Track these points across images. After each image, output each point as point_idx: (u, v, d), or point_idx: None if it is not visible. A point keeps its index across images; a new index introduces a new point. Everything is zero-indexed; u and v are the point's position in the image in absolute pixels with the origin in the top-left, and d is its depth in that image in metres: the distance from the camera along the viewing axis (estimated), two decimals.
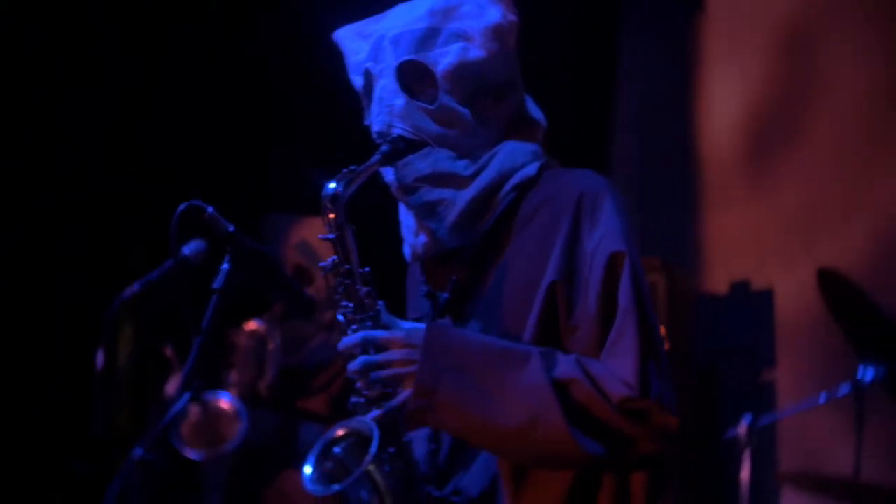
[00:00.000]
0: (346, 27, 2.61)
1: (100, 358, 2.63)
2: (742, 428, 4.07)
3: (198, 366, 2.48)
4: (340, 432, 2.43)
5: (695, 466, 4.93)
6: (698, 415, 5.05)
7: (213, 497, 4.06)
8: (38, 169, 4.85)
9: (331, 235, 2.41)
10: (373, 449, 2.33)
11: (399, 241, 2.63)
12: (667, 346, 4.97)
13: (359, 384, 2.40)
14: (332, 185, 2.39)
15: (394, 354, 2.36)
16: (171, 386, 4.03)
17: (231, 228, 2.55)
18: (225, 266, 2.54)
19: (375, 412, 2.39)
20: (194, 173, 4.90)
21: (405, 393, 2.36)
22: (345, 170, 2.41)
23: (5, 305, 4.78)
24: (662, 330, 4.84)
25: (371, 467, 2.37)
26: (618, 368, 2.32)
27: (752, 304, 5.19)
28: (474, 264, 2.54)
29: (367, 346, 2.37)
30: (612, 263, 2.37)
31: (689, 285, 5.17)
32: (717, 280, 5.34)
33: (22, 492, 4.75)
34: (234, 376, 3.99)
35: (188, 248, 2.57)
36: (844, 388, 4.08)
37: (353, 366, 2.37)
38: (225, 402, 3.65)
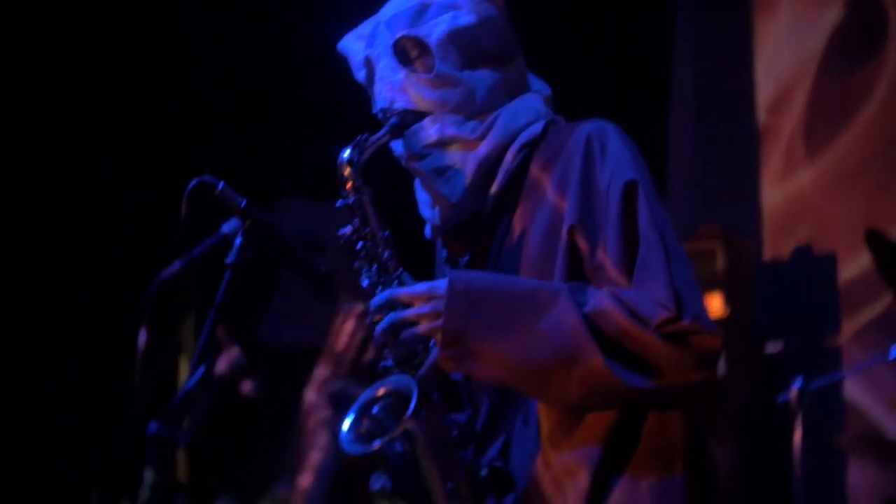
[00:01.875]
0: (346, 36, 2.68)
1: (141, 338, 2.63)
2: (793, 392, 4.03)
3: (211, 341, 2.48)
4: (380, 392, 2.43)
5: (755, 435, 4.88)
6: (759, 384, 4.99)
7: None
8: (38, 169, 4.83)
9: (350, 199, 2.45)
10: (412, 406, 2.33)
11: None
12: (727, 313, 4.94)
13: (387, 348, 2.42)
14: (347, 152, 2.45)
15: (420, 309, 2.36)
16: (222, 364, 4.05)
17: (243, 203, 2.55)
18: (237, 241, 2.54)
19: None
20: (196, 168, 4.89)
21: (437, 349, 2.35)
22: (358, 137, 2.47)
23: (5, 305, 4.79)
24: (721, 297, 4.85)
25: (410, 425, 2.36)
26: (651, 293, 2.30)
27: (814, 271, 5.11)
28: (492, 227, 2.56)
29: (392, 304, 2.38)
30: (627, 194, 2.38)
31: (749, 253, 5.12)
32: (779, 247, 5.27)
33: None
34: None
35: (227, 227, 2.56)
36: None
37: (381, 326, 2.37)
38: None
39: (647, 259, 2.34)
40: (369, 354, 2.53)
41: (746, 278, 4.98)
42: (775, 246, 5.21)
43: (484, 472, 2.50)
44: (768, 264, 5.18)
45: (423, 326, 2.36)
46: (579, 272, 2.42)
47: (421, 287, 2.40)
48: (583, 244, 2.41)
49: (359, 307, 2.56)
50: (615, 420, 2.43)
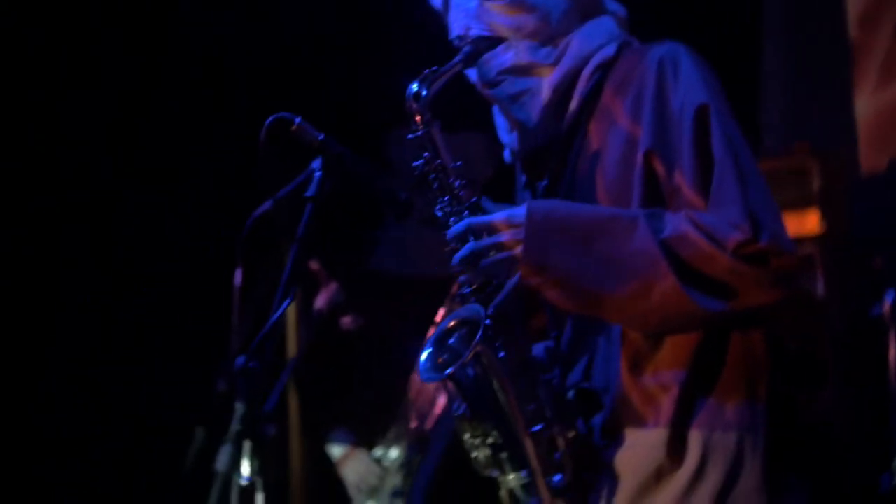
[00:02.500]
0: None
1: (238, 278, 2.67)
2: (886, 305, 3.95)
3: (295, 274, 2.51)
4: (452, 323, 2.46)
5: (853, 350, 4.82)
6: (858, 300, 4.92)
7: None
8: (37, 169, 4.91)
9: (419, 132, 2.47)
10: (479, 332, 2.36)
11: None
12: (824, 230, 4.89)
13: (467, 276, 2.45)
14: (415, 85, 2.49)
15: (499, 237, 2.39)
16: (321, 300, 4.10)
17: (321, 136, 2.57)
18: (317, 174, 2.57)
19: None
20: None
21: (516, 277, 2.39)
22: (426, 71, 2.50)
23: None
24: (817, 214, 4.79)
25: (482, 350, 2.39)
26: (726, 215, 2.31)
27: None
28: (568, 151, 2.59)
29: (471, 233, 2.41)
30: (700, 116, 2.39)
31: (844, 169, 5.03)
32: (875, 161, 5.17)
33: None
34: None
35: (316, 163, 2.59)
36: None
37: (460, 255, 2.41)
38: None
39: (721, 182, 2.35)
40: None
41: (842, 194, 4.91)
42: (871, 160, 5.11)
43: (571, 393, 2.55)
44: (864, 179, 5.09)
45: (502, 254, 2.39)
46: (656, 195, 2.44)
47: (500, 215, 2.43)
48: (659, 168, 2.43)
49: None
50: (699, 341, 2.46)
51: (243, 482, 2.39)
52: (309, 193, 2.55)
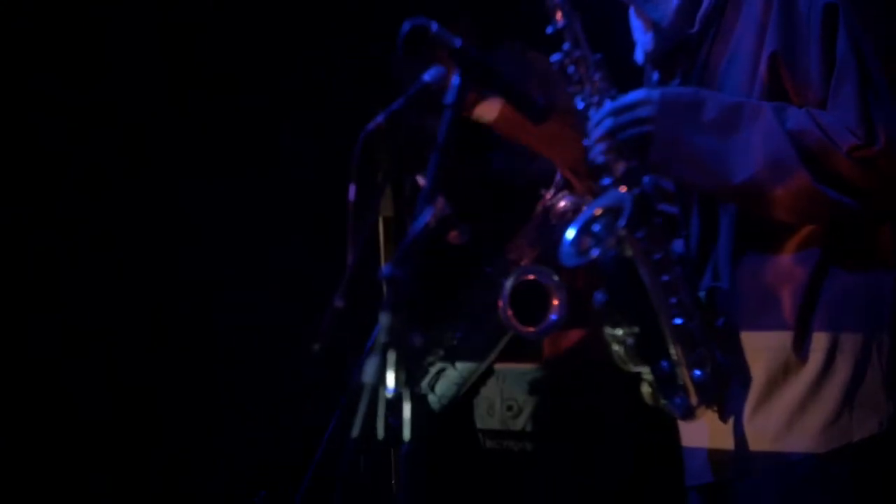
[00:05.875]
0: None
1: (352, 191, 2.66)
2: None
3: (437, 182, 2.49)
4: (597, 211, 2.50)
5: None
6: None
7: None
8: (39, 168, 4.93)
9: (560, 24, 2.50)
10: (625, 215, 2.39)
11: None
12: None
13: (605, 156, 2.57)
14: None
15: (635, 113, 2.51)
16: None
17: (458, 44, 2.54)
18: (455, 81, 2.54)
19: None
20: None
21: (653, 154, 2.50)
22: None
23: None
24: None
25: (627, 235, 2.43)
26: (843, 118, 2.38)
27: None
28: (699, 50, 2.65)
29: (612, 113, 2.55)
30: (827, 18, 2.44)
31: None
32: None
33: None
34: None
35: (428, 75, 2.58)
36: None
37: (601, 130, 2.54)
38: None
39: (841, 83, 2.42)
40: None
41: None
42: None
43: (702, 294, 2.56)
44: None
45: (637, 129, 2.51)
46: (780, 96, 2.50)
47: (638, 94, 2.55)
48: (784, 69, 2.49)
49: None
50: (824, 235, 2.53)
51: (389, 394, 2.38)
52: (448, 101, 2.52)
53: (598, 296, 2.60)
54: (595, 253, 2.47)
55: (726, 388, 2.59)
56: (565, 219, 3.52)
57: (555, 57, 2.64)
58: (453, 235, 4.22)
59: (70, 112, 5.00)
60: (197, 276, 5.07)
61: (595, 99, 2.61)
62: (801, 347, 2.52)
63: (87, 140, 5.02)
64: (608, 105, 2.56)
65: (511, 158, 4.16)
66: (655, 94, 2.53)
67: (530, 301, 3.71)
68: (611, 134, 2.53)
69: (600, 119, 2.56)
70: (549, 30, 2.62)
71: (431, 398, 4.14)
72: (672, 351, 2.56)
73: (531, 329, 3.76)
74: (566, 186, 3.66)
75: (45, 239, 5.00)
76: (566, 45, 2.62)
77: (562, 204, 3.58)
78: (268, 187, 5.10)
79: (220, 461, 5.01)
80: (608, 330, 2.62)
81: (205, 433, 5.01)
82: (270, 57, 5.07)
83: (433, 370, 4.10)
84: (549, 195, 3.77)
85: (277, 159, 5.12)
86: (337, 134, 3.55)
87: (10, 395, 4.88)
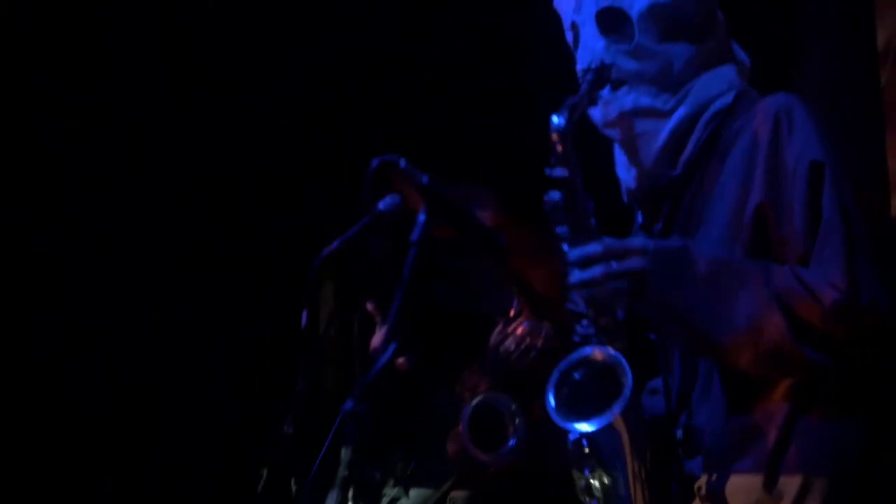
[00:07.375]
0: None
1: (304, 318, 2.68)
2: None
3: (401, 319, 2.50)
4: (600, 356, 2.50)
5: None
6: None
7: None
8: (38, 168, 4.91)
9: (558, 171, 2.57)
10: (626, 389, 2.42)
11: None
12: None
13: (587, 303, 2.54)
14: (557, 118, 2.56)
15: (629, 264, 2.47)
16: (376, 339, 4.04)
17: (425, 180, 2.54)
18: (421, 217, 2.54)
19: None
20: None
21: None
22: (566, 101, 2.58)
23: None
24: None
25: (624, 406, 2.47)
26: (827, 274, 2.40)
27: None
28: (682, 195, 2.68)
29: (606, 255, 2.48)
30: (813, 174, 2.46)
31: (879, 212, 4.84)
32: None
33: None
34: None
35: (383, 204, 2.58)
36: None
37: (585, 276, 2.48)
38: None
39: (825, 241, 2.44)
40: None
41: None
42: None
43: (679, 432, 2.60)
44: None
45: (628, 282, 2.46)
46: (764, 248, 2.52)
47: (636, 241, 2.52)
48: (769, 222, 2.50)
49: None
50: (798, 386, 2.53)
51: None
52: (413, 237, 2.52)
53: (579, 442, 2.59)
54: (599, 426, 2.48)
55: None
56: (523, 344, 3.50)
57: (550, 195, 2.57)
58: (400, 362, 4.19)
59: (70, 112, 5.00)
60: (197, 276, 5.09)
61: (581, 238, 2.55)
62: (771, 491, 2.52)
63: (87, 140, 5.02)
64: (594, 247, 2.50)
65: (454, 288, 4.13)
66: (648, 245, 2.49)
67: (488, 427, 3.70)
68: (597, 282, 2.48)
69: (586, 260, 2.50)
70: (548, 171, 2.58)
71: None
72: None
73: (489, 454, 3.73)
74: (521, 314, 3.62)
75: (45, 239, 5.02)
76: (564, 188, 2.56)
77: (519, 331, 3.56)
78: (268, 187, 5.10)
79: (219, 461, 5.06)
80: (577, 473, 2.61)
81: (205, 433, 5.07)
82: (270, 57, 5.04)
83: (385, 501, 4.10)
84: (503, 324, 3.73)
85: (277, 158, 5.11)
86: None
87: (10, 395, 4.93)
